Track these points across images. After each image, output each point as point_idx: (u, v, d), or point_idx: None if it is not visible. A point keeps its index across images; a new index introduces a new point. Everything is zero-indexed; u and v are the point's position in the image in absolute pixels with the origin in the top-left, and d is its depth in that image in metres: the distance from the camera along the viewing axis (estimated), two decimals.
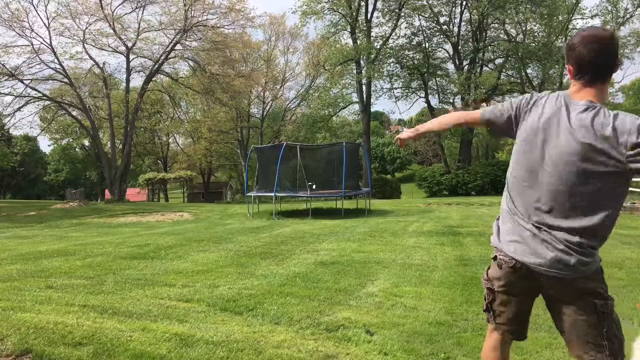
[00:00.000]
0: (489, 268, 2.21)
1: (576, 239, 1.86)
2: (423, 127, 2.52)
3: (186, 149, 47.68)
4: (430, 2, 32.04)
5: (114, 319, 3.79)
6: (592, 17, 34.50)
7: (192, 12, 27.94)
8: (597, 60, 1.85)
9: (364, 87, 33.13)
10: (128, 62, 29.67)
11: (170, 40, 28.96)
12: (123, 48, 29.13)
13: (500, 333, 2.20)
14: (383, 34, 33.75)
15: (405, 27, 34.50)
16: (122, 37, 28.70)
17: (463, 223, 11.98)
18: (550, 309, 2.07)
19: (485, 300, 2.22)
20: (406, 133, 2.60)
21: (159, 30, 29.17)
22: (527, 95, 2.08)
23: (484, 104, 2.67)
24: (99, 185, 53.56)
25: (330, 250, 7.91)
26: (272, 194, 16.18)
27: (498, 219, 2.16)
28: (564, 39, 34.54)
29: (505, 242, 2.04)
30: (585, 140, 1.79)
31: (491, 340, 2.25)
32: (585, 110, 1.84)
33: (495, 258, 2.12)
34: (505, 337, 2.19)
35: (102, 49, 29.52)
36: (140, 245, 8.74)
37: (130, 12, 29.04)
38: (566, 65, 1.97)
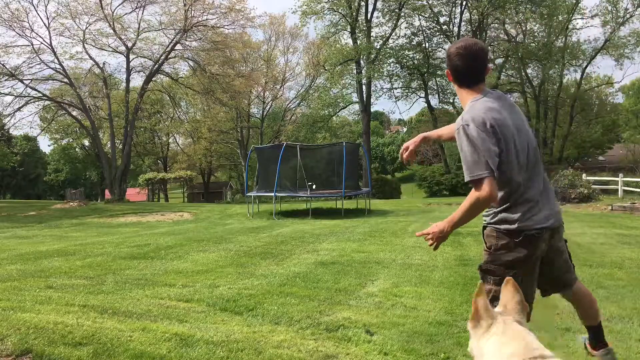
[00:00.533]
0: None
1: None
2: (450, 223, 2.38)
3: (186, 149, 47.64)
4: (430, 2, 32.03)
5: (114, 319, 3.79)
6: (592, 17, 34.55)
7: (192, 12, 27.94)
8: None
9: (364, 87, 33.12)
10: (128, 62, 29.67)
11: (170, 40, 28.96)
12: (123, 48, 29.14)
13: None
14: (383, 34, 33.78)
15: (405, 27, 34.53)
16: (122, 37, 28.69)
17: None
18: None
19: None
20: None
21: (159, 30, 29.18)
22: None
23: None
24: (99, 185, 53.55)
25: (330, 250, 7.91)
26: (272, 194, 16.18)
27: None
28: (564, 39, 34.55)
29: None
30: None
31: None
32: None
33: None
34: None
35: (102, 49, 29.54)
36: (140, 245, 8.74)
37: (130, 12, 29.05)
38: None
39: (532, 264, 2.28)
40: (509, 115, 2.24)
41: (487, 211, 2.36)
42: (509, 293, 1.54)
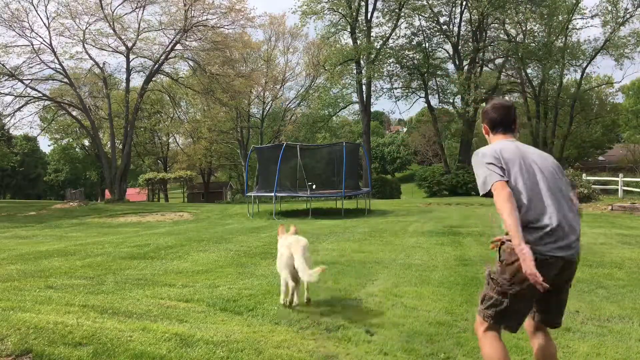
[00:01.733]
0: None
1: None
2: (517, 240, 2.29)
3: (186, 149, 47.61)
4: (430, 2, 32.02)
5: (114, 319, 3.79)
6: (592, 17, 34.52)
7: (192, 12, 27.91)
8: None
9: (364, 87, 33.10)
10: (128, 62, 29.65)
11: (170, 40, 28.95)
12: (123, 48, 29.11)
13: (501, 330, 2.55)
14: (383, 34, 33.74)
15: (405, 27, 34.51)
16: (122, 37, 28.67)
17: (463, 223, 11.95)
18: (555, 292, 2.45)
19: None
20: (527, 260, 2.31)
21: (159, 30, 29.14)
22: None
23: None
24: (99, 185, 53.57)
25: (330, 250, 7.92)
26: (272, 194, 16.18)
27: None
28: (564, 39, 34.53)
29: None
30: None
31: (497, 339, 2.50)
32: None
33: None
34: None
35: (102, 49, 29.49)
36: (140, 245, 8.75)
37: (130, 12, 29.00)
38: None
39: (535, 287, 2.30)
40: (521, 151, 2.54)
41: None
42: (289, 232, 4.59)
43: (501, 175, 2.39)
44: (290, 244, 4.27)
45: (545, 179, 2.45)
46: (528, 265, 2.21)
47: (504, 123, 2.68)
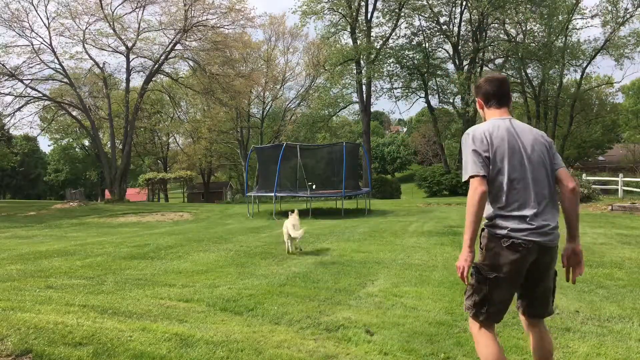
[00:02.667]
0: None
1: None
2: (467, 242, 2.47)
3: (186, 149, 47.60)
4: (430, 2, 32.00)
5: (114, 319, 3.79)
6: (592, 17, 34.50)
7: (192, 12, 27.91)
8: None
9: (364, 87, 33.09)
10: (128, 62, 29.65)
11: (170, 40, 28.94)
12: (123, 48, 29.11)
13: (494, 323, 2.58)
14: (383, 34, 33.72)
15: (405, 27, 34.48)
16: (122, 37, 28.66)
17: (463, 223, 11.89)
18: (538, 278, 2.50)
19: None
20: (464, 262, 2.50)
21: (159, 30, 29.14)
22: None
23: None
24: (99, 185, 53.56)
25: (330, 250, 7.92)
26: (272, 194, 16.18)
27: None
28: (564, 39, 34.52)
29: None
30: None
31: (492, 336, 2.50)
32: None
33: None
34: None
35: (102, 49, 29.49)
36: (140, 245, 8.75)
37: (130, 12, 29.00)
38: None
39: (514, 274, 2.41)
40: (512, 135, 2.50)
41: (486, 214, 2.50)
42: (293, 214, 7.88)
43: (481, 169, 2.39)
44: (289, 220, 7.67)
45: (532, 166, 2.46)
46: (463, 260, 2.43)
47: (497, 95, 2.65)
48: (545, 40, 32.82)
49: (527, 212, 2.39)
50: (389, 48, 33.72)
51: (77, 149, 54.45)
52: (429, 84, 35.07)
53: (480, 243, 2.54)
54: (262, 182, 18.13)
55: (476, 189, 2.38)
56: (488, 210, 2.50)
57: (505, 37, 34.59)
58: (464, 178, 2.47)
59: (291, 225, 7.47)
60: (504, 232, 2.41)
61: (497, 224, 2.45)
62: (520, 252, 2.37)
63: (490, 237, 2.47)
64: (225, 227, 12.99)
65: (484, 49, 33.85)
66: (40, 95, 29.06)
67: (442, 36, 34.61)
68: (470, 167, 2.43)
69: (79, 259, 7.18)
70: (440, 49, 36.00)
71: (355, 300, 4.65)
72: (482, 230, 2.53)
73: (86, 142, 47.42)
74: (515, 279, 2.44)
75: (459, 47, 34.37)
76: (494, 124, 2.52)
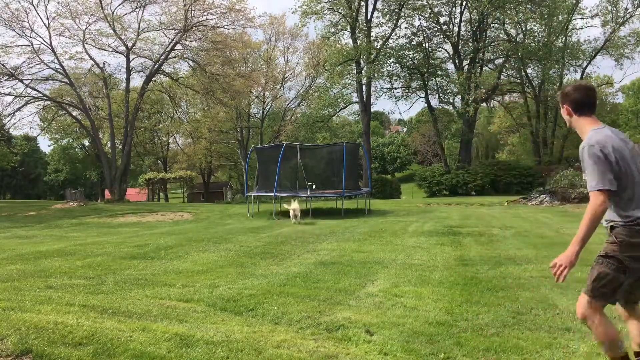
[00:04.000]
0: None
1: None
2: (577, 248, 2.66)
3: (186, 149, 47.61)
4: (430, 2, 32.01)
5: (114, 319, 3.79)
6: (592, 17, 34.53)
7: (192, 12, 27.91)
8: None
9: (364, 87, 33.10)
10: (128, 62, 29.65)
11: (170, 40, 28.95)
12: (123, 48, 29.12)
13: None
14: (383, 34, 33.74)
15: (405, 27, 34.51)
16: (122, 37, 28.67)
17: (463, 223, 11.96)
18: None
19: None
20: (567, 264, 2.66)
21: (159, 30, 29.15)
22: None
23: None
24: (99, 185, 53.54)
25: (330, 250, 7.92)
26: (272, 194, 16.18)
27: None
28: (564, 39, 34.53)
29: None
30: None
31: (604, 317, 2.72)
32: None
33: None
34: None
35: (102, 49, 29.50)
36: (140, 245, 8.75)
37: (130, 12, 29.01)
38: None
39: None
40: (624, 143, 2.69)
41: (624, 213, 2.65)
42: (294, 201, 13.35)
43: (611, 185, 2.51)
44: (292, 202, 12.67)
45: (637, 169, 2.66)
46: (568, 262, 2.60)
47: (588, 103, 2.75)
48: (545, 40, 32.83)
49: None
50: (389, 48, 33.74)
51: (77, 149, 54.44)
52: (429, 84, 35.08)
53: (616, 238, 2.66)
54: (262, 182, 18.13)
55: (603, 202, 2.51)
56: (625, 211, 2.63)
57: (505, 37, 34.60)
58: (592, 189, 2.55)
59: (293, 204, 12.57)
60: None
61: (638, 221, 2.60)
62: None
63: (631, 234, 2.60)
64: (225, 227, 13.00)
65: (484, 49, 33.86)
66: (40, 95, 29.09)
67: (442, 36, 34.62)
68: (599, 179, 2.53)
69: (79, 259, 7.18)
70: (440, 49, 36.06)
71: (355, 300, 4.65)
72: (613, 228, 2.68)
73: (86, 142, 47.42)
74: None
75: (459, 47, 34.38)
76: (606, 135, 2.63)
